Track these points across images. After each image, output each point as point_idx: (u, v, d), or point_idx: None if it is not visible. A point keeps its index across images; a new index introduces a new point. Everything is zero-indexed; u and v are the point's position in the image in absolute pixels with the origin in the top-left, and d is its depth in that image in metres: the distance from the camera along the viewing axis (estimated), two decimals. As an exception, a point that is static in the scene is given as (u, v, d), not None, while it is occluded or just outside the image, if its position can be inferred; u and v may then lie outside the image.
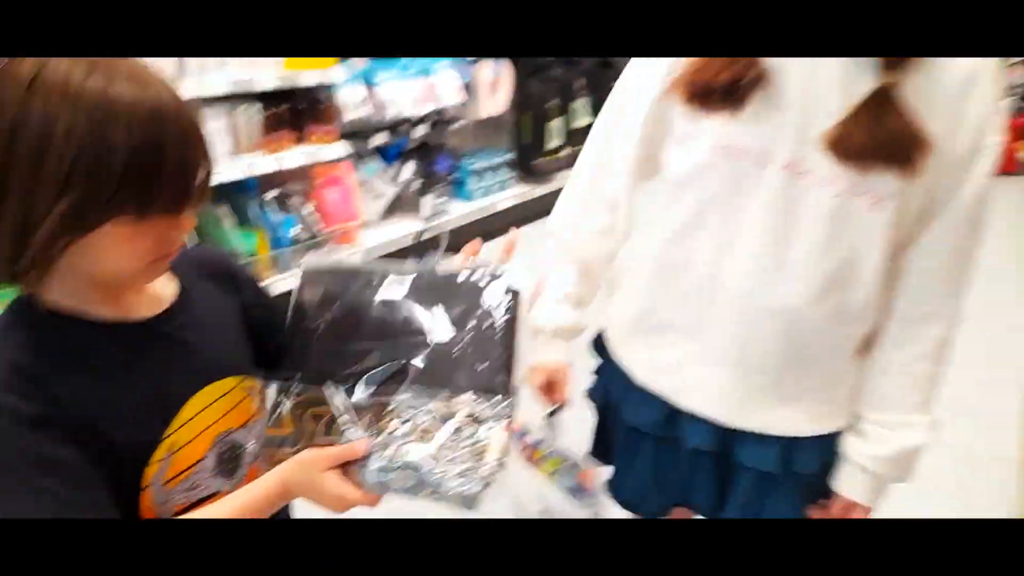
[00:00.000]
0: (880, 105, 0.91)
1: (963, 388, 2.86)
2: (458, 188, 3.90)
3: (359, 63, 3.19)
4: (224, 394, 0.83)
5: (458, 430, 0.78)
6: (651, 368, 1.15)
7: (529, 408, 1.17)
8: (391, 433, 0.79)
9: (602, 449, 1.30)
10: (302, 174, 3.11)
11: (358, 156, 3.40)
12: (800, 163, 0.96)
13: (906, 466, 1.08)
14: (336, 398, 0.82)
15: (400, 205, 3.68)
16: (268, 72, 2.79)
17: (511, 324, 0.83)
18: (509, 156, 4.22)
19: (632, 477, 1.23)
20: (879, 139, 0.91)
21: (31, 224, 0.64)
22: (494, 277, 0.85)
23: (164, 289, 0.81)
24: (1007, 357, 3.33)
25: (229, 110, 2.74)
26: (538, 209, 4.46)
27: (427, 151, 3.74)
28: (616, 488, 1.26)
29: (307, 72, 2.90)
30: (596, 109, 4.58)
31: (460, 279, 0.86)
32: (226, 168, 2.70)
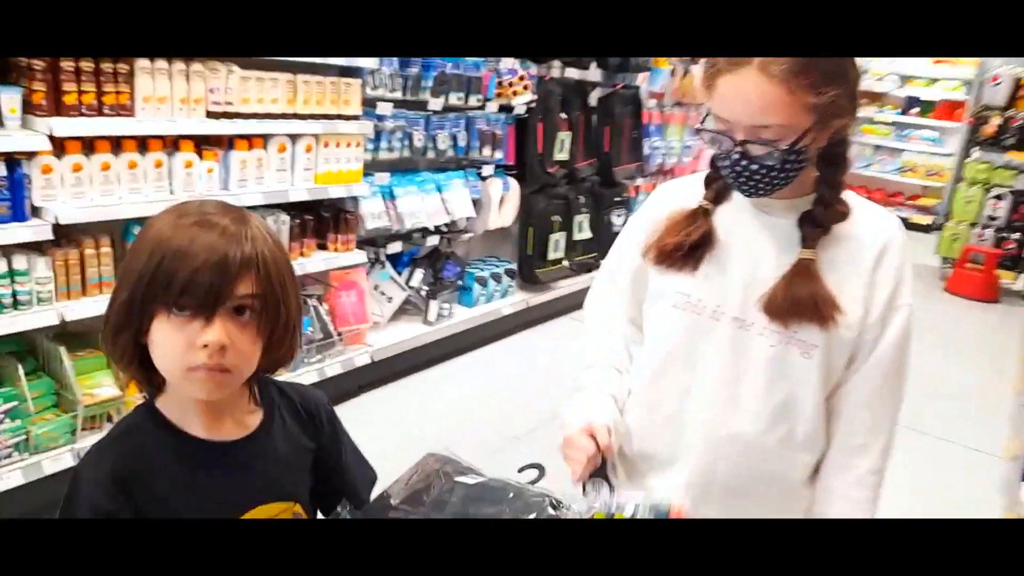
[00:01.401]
0: (798, 275, 1.13)
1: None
2: (464, 294, 4.13)
3: (382, 179, 3.48)
4: (276, 515, 0.98)
5: None
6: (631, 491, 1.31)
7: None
8: None
9: None
10: (320, 278, 3.33)
11: (372, 262, 3.65)
12: (745, 318, 1.18)
13: None
14: None
15: (407, 309, 3.90)
16: (300, 185, 3.06)
17: None
18: (512, 266, 4.48)
19: None
20: (797, 302, 1.12)
21: (111, 318, 0.89)
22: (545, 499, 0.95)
23: (251, 418, 1.00)
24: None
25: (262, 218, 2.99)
26: (537, 316, 4.69)
27: (436, 258, 3.99)
28: None
29: (335, 186, 3.17)
30: (594, 225, 4.87)
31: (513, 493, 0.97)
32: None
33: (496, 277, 4.31)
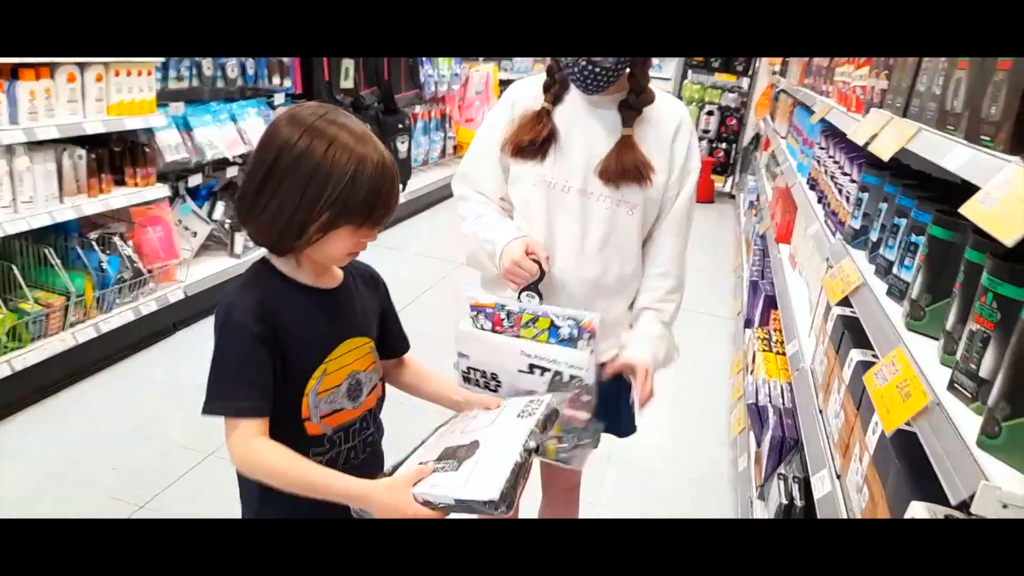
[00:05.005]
0: (623, 147, 1.53)
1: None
2: (266, 225, 4.13)
3: (177, 109, 3.37)
4: (359, 347, 1.25)
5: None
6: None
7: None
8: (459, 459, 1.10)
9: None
10: (122, 215, 3.20)
11: (172, 197, 3.54)
12: (587, 188, 1.55)
13: (659, 348, 1.60)
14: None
15: (208, 245, 3.85)
16: (93, 117, 2.90)
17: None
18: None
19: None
20: (624, 166, 1.52)
21: (292, 222, 1.08)
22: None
23: (338, 274, 1.25)
24: (707, 328, 4.42)
25: (56, 154, 2.81)
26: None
27: (235, 190, 3.95)
28: None
29: (131, 118, 3.04)
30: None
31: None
32: (55, 210, 2.77)
33: (295, 206, 4.36)
